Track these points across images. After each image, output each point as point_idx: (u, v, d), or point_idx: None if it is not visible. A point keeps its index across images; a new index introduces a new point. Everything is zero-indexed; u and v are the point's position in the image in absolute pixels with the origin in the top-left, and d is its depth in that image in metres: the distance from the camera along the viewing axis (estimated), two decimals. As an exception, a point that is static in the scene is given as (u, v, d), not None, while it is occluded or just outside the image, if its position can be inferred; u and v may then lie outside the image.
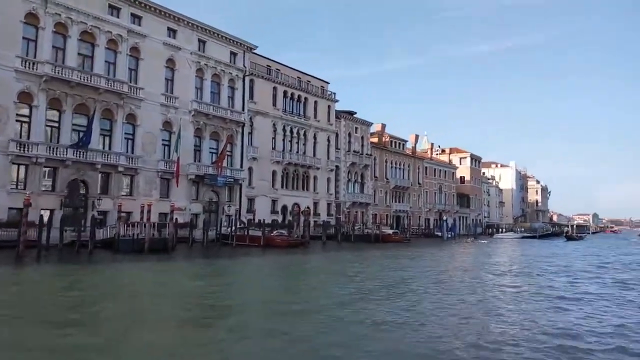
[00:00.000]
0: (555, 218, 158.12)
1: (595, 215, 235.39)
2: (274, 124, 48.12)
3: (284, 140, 49.24)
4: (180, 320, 11.08)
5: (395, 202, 68.61)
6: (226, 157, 40.87)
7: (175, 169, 36.29)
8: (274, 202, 47.36)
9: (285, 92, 49.70)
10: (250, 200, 44.55)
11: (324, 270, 23.84)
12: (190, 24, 39.35)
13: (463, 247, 50.27)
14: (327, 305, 13.00)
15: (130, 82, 34.96)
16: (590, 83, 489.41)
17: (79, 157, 30.86)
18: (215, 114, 40.42)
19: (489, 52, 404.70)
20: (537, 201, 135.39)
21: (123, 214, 32.69)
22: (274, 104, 48.27)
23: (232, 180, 40.96)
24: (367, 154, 61.60)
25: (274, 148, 47.79)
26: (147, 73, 36.13)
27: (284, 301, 14.01)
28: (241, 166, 43.07)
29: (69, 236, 27.73)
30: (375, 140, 66.25)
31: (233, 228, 36.43)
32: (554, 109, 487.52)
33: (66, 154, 30.36)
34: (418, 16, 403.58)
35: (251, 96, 45.48)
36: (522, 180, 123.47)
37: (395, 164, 69.77)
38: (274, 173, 47.51)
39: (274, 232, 38.20)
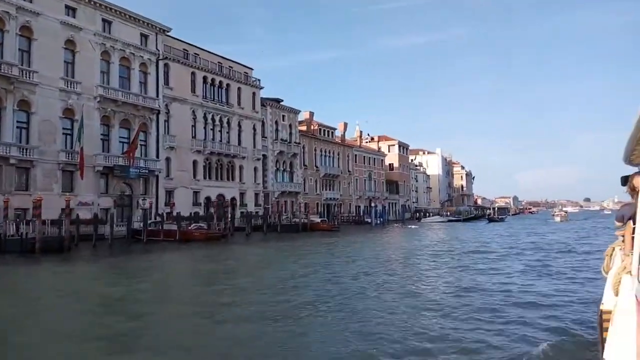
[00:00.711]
0: (479, 202, 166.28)
1: (515, 198, 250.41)
2: (193, 111, 45.67)
3: (205, 128, 46.96)
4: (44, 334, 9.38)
5: (326, 190, 68.33)
6: (139, 147, 38.12)
7: (79, 160, 33.19)
8: (196, 193, 45.10)
9: (205, 78, 47.29)
10: (169, 193, 42.05)
11: (232, 265, 22.55)
12: (92, 2, 35.85)
13: (389, 233, 50.85)
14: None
15: (22, 65, 31.31)
16: (509, 82, 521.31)
17: (-42, 148, 27.19)
18: (125, 101, 37.39)
19: (422, 44, 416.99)
20: (462, 186, 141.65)
21: (19, 212, 29.72)
22: (193, 90, 45.78)
23: (146, 171, 38.28)
24: (295, 143, 60.55)
25: (194, 136, 45.43)
26: (42, 55, 32.48)
27: (173, 305, 12.61)
28: (157, 156, 40.40)
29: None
30: (303, 128, 65.33)
31: (147, 222, 34.03)
32: (476, 102, 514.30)
33: (-59, 146, 26.63)
34: (351, 9, 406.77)
35: (166, 82, 42.72)
36: (447, 166, 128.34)
37: (325, 152, 69.38)
38: (195, 163, 45.19)
39: (193, 226, 36.19)
